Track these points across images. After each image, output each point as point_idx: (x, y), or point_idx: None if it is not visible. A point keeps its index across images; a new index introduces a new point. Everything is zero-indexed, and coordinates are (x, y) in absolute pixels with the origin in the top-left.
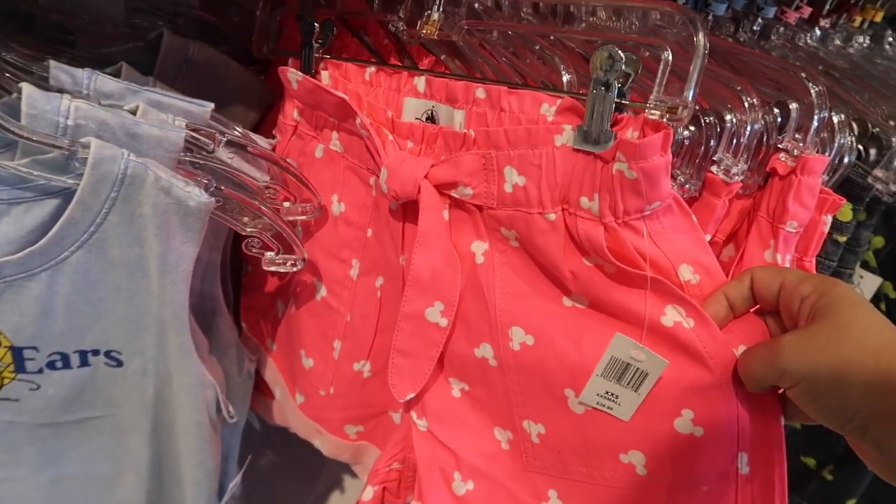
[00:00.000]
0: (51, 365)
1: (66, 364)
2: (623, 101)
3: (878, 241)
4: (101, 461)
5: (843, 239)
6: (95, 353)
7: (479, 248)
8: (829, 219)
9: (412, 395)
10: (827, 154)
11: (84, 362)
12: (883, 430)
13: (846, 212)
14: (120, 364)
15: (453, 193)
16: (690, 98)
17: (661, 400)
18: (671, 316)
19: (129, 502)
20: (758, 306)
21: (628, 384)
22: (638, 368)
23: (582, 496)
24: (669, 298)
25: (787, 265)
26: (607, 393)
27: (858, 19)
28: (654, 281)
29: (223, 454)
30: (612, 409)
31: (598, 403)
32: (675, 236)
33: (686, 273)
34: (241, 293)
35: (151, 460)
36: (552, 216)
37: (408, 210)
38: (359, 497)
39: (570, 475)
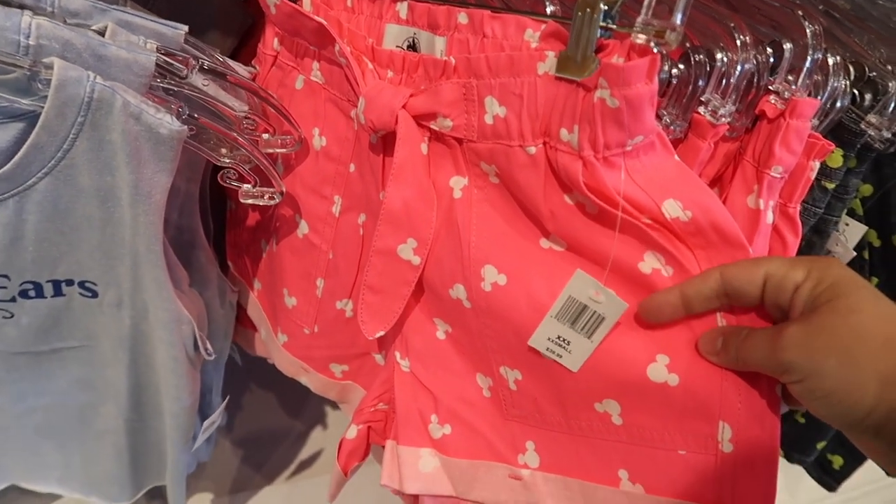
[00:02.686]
0: (23, 294)
1: (40, 293)
2: (609, 25)
3: (867, 189)
4: (81, 391)
5: (831, 186)
6: (69, 283)
7: (458, 183)
8: (817, 164)
9: (381, 333)
10: (819, 97)
11: (58, 292)
12: None
13: (836, 158)
14: (95, 295)
15: (432, 125)
16: (679, 21)
17: (635, 345)
18: (649, 262)
19: (109, 432)
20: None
21: (582, 329)
22: (595, 312)
23: (559, 448)
24: (649, 244)
25: (770, 211)
26: (559, 338)
27: None
28: (633, 226)
29: (206, 387)
30: (560, 356)
31: (546, 349)
32: (657, 173)
33: (673, 209)
34: (226, 231)
35: (131, 391)
36: (532, 149)
37: (388, 143)
38: (343, 435)
39: (547, 425)
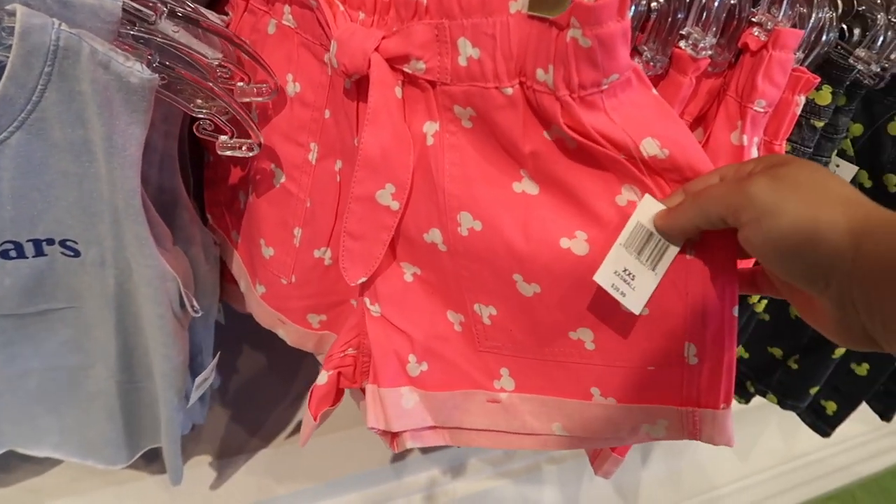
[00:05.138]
0: (4, 254)
1: (21, 253)
2: None
3: (857, 129)
4: (69, 354)
5: (820, 124)
6: (50, 242)
7: (431, 128)
8: (802, 99)
9: (364, 280)
10: (803, 29)
11: (39, 252)
12: (847, 280)
13: (825, 95)
14: (77, 254)
15: (406, 68)
16: None
17: None
18: (626, 195)
19: (101, 394)
20: None
21: (648, 259)
22: (660, 239)
23: (532, 371)
24: (626, 178)
25: (754, 148)
26: (625, 271)
27: None
28: (611, 160)
29: (196, 347)
30: (624, 295)
31: (612, 286)
32: (635, 111)
33: (651, 148)
34: (204, 185)
35: (121, 352)
36: (509, 90)
37: (362, 88)
38: (315, 382)
39: (521, 353)
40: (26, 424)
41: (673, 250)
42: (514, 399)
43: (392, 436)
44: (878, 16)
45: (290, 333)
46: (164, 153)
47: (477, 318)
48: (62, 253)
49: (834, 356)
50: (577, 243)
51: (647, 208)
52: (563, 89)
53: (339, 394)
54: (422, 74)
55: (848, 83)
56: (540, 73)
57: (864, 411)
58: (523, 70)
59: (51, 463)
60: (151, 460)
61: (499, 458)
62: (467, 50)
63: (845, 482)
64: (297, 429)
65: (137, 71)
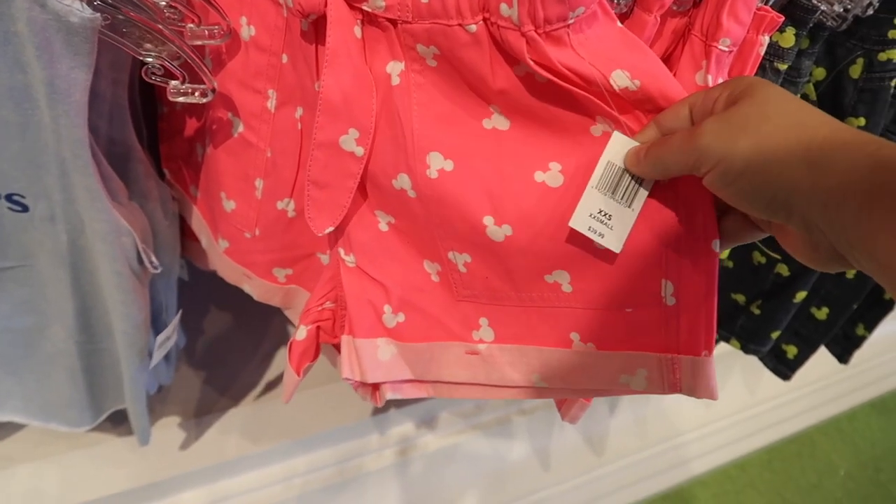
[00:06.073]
0: None
1: None
2: None
3: (820, 73)
4: (24, 315)
5: (783, 67)
6: None
7: (395, 68)
8: (766, 39)
9: (331, 229)
10: None
11: None
12: (807, 205)
13: (788, 37)
14: (25, 209)
15: (364, 7)
16: None
17: None
18: (601, 127)
19: (60, 355)
20: None
21: (623, 197)
22: (633, 175)
23: (511, 320)
24: (598, 111)
25: None
26: (601, 213)
27: None
28: (581, 95)
29: (159, 306)
30: (602, 236)
31: (588, 229)
32: (602, 45)
33: (622, 80)
34: (159, 139)
35: (78, 312)
36: (473, 27)
37: (320, 30)
38: (292, 337)
39: (499, 301)
40: None
41: (647, 184)
42: (494, 350)
43: (372, 389)
44: None
45: (255, 288)
46: (113, 102)
47: (453, 266)
48: (9, 208)
49: (795, 300)
50: (551, 175)
51: (617, 146)
52: (528, 24)
53: (318, 348)
54: (381, 13)
55: (811, 25)
56: (504, 7)
57: (820, 357)
58: (486, 6)
59: (13, 427)
60: (118, 422)
61: (470, 410)
62: None
63: (804, 426)
64: (267, 387)
65: (77, 10)
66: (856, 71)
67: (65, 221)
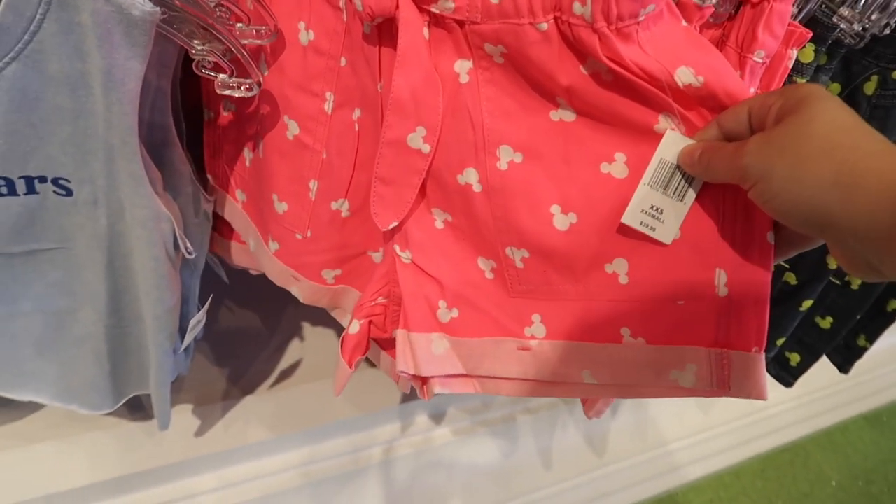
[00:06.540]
0: None
1: (12, 190)
2: None
3: (835, 88)
4: (58, 296)
5: (802, 81)
6: (42, 179)
7: (463, 66)
8: (795, 53)
9: (395, 224)
10: None
11: (31, 189)
12: (839, 226)
13: (808, 53)
14: (69, 193)
15: (433, 9)
16: None
17: None
18: (664, 124)
19: (88, 338)
20: None
21: (675, 192)
22: (685, 173)
23: (565, 315)
24: (663, 107)
25: None
26: (652, 208)
27: None
28: (648, 91)
29: (183, 296)
30: (654, 229)
31: (640, 224)
32: (667, 42)
33: (686, 76)
34: (204, 145)
35: (110, 295)
36: (544, 25)
37: (383, 33)
38: (345, 331)
39: (554, 295)
40: (10, 368)
41: (699, 180)
42: (545, 346)
43: (421, 381)
44: None
45: (303, 290)
46: (156, 91)
47: (509, 262)
48: (54, 191)
49: (801, 308)
50: (616, 166)
51: (671, 143)
52: (601, 20)
53: (369, 342)
54: (450, 14)
55: (830, 42)
56: (577, 6)
57: (818, 368)
58: (559, 5)
59: (30, 408)
60: (133, 408)
61: (477, 407)
62: None
63: (798, 436)
64: (281, 376)
65: (140, 3)
66: (870, 88)
67: (106, 206)
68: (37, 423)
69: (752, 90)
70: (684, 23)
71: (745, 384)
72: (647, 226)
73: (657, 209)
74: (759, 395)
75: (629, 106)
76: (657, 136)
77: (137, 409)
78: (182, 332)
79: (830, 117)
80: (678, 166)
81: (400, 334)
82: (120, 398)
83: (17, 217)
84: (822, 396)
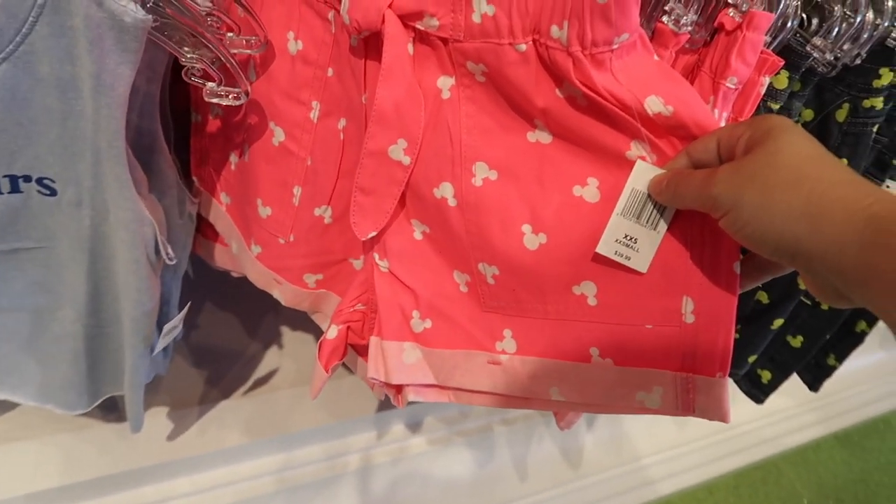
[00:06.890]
0: None
1: None
2: None
3: (808, 114)
4: (37, 294)
5: (776, 107)
6: (27, 179)
7: (446, 83)
8: (767, 80)
9: (373, 234)
10: (774, 13)
11: (15, 188)
12: (808, 254)
13: (782, 79)
14: (54, 193)
15: (418, 25)
16: None
17: None
18: (635, 151)
19: (66, 337)
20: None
21: (648, 221)
22: (655, 201)
23: (535, 333)
24: (635, 134)
25: (724, 122)
26: (626, 237)
27: None
28: (620, 117)
29: (163, 298)
30: (629, 259)
31: (615, 253)
32: (639, 72)
33: (656, 105)
34: (190, 149)
35: (90, 296)
36: (523, 47)
37: (370, 46)
38: (323, 336)
39: (524, 313)
40: None
41: (671, 208)
42: (515, 362)
43: (395, 389)
44: (836, 7)
45: (285, 293)
46: (145, 96)
47: (482, 277)
48: (38, 191)
49: (772, 327)
50: (588, 190)
51: (641, 173)
52: (575, 45)
53: (346, 348)
54: (434, 31)
55: (803, 70)
56: (554, 29)
57: (789, 386)
58: (538, 27)
59: (2, 407)
60: (107, 409)
61: (454, 417)
62: (482, 7)
63: (771, 453)
64: (257, 382)
65: (132, 10)
66: (841, 115)
67: (90, 207)
68: (9, 422)
69: (725, 115)
70: (656, 57)
71: (709, 407)
72: (623, 255)
73: (631, 238)
74: (722, 418)
75: (602, 130)
76: (629, 163)
77: (112, 410)
78: (160, 332)
79: (797, 149)
80: (649, 195)
81: (373, 341)
82: (96, 398)
83: (0, 215)
84: (795, 414)
